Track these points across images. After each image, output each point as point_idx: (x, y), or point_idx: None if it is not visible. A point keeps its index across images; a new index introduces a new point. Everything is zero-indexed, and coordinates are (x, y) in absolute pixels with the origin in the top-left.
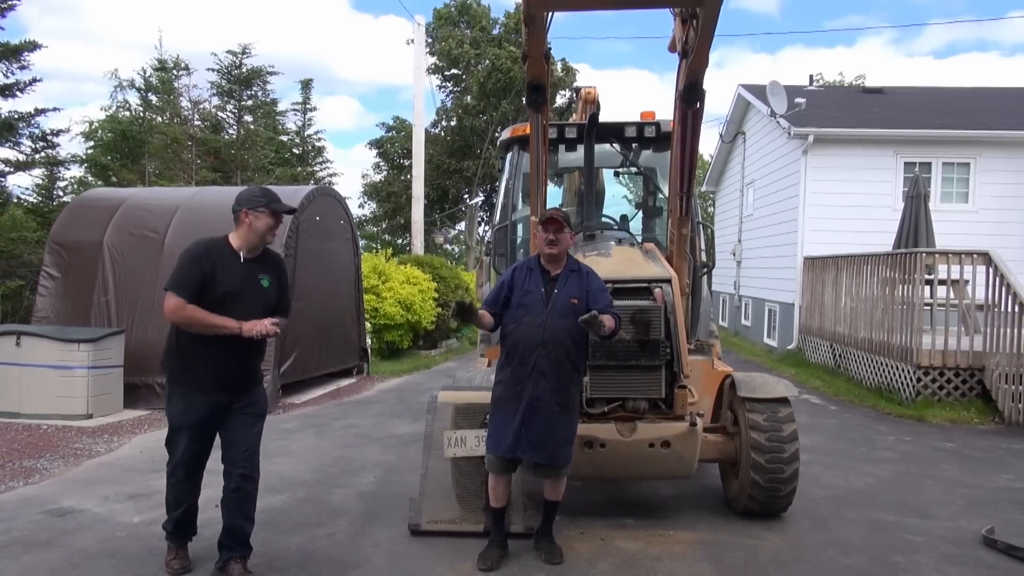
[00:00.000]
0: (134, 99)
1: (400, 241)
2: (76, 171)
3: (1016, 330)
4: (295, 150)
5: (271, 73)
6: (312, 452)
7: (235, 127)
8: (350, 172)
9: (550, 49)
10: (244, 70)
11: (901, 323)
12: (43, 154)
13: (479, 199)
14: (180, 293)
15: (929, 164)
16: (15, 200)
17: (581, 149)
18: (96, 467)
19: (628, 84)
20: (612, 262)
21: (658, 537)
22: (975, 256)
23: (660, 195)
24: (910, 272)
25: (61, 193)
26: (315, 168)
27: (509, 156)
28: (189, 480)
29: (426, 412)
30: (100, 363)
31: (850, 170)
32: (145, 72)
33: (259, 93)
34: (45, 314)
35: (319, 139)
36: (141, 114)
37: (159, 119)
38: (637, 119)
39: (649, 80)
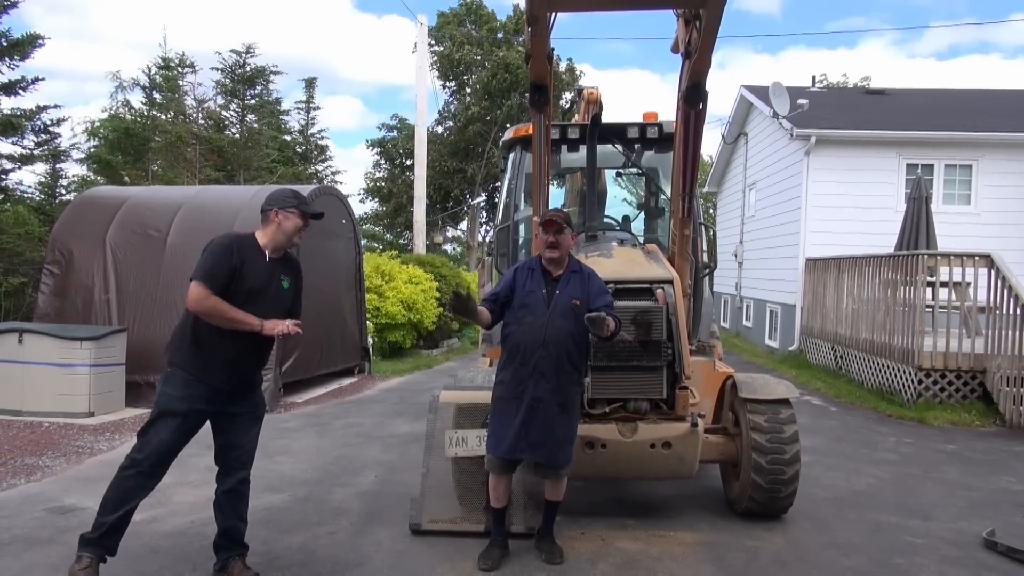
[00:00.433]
0: (137, 98)
1: (401, 241)
2: (79, 169)
3: (1018, 332)
4: (298, 148)
5: (275, 72)
6: (313, 451)
7: (239, 126)
8: (352, 171)
9: (553, 50)
10: (248, 69)
11: (903, 325)
12: (45, 147)
13: (481, 199)
14: (208, 283)
15: (931, 166)
16: (18, 195)
17: (583, 150)
18: (98, 465)
19: (630, 85)
20: (614, 263)
21: (659, 538)
22: (977, 258)
23: (662, 196)
24: (912, 274)
25: (64, 191)
26: (318, 167)
27: (511, 156)
28: (151, 475)
29: (427, 411)
30: (102, 361)
31: (852, 171)
32: (150, 70)
33: (263, 92)
34: (47, 311)
35: (322, 138)
36: (145, 112)
37: (163, 117)
38: (640, 120)
39: (651, 81)
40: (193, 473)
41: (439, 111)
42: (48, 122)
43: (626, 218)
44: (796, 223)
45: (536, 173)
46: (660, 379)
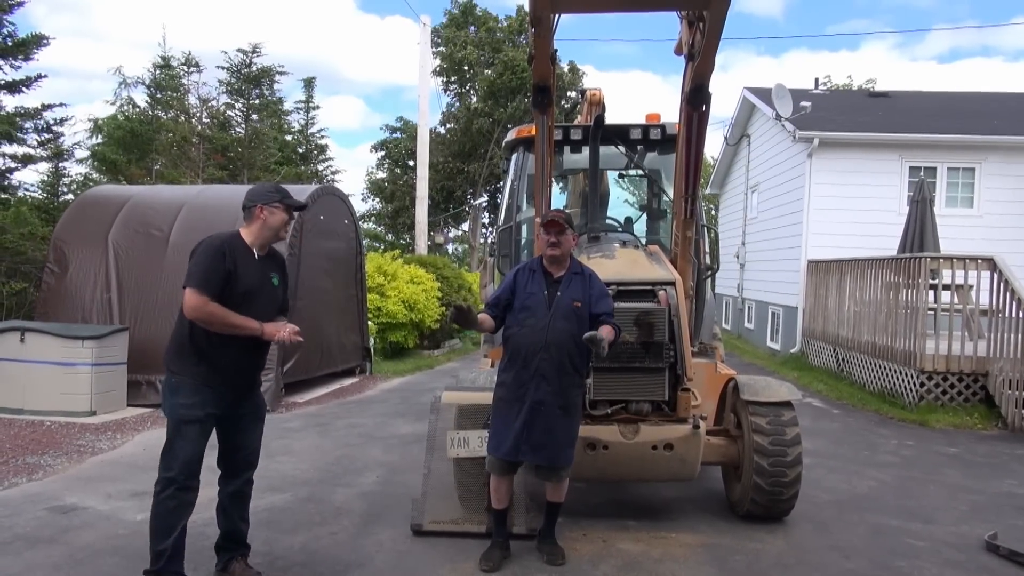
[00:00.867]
0: (140, 96)
1: (402, 241)
2: (82, 168)
3: (1020, 335)
4: (299, 148)
5: (280, 72)
6: (315, 451)
7: (243, 125)
8: (353, 171)
9: (556, 51)
10: (254, 69)
11: (905, 327)
12: (48, 146)
13: (483, 200)
14: (204, 289)
15: (934, 168)
16: (21, 194)
17: (586, 151)
18: (99, 464)
19: (633, 86)
20: (616, 264)
21: (660, 539)
22: (980, 261)
23: (665, 197)
24: (914, 276)
25: (66, 190)
26: (319, 167)
27: (514, 157)
28: (188, 488)
29: (429, 412)
30: (104, 360)
31: (855, 174)
32: (154, 71)
33: (267, 92)
34: (48, 310)
35: (322, 137)
36: (148, 111)
37: (165, 116)
38: (642, 121)
39: (653, 82)
40: None
41: (442, 112)
42: (51, 121)
43: (628, 219)
44: (798, 225)
45: (539, 174)
46: (662, 381)
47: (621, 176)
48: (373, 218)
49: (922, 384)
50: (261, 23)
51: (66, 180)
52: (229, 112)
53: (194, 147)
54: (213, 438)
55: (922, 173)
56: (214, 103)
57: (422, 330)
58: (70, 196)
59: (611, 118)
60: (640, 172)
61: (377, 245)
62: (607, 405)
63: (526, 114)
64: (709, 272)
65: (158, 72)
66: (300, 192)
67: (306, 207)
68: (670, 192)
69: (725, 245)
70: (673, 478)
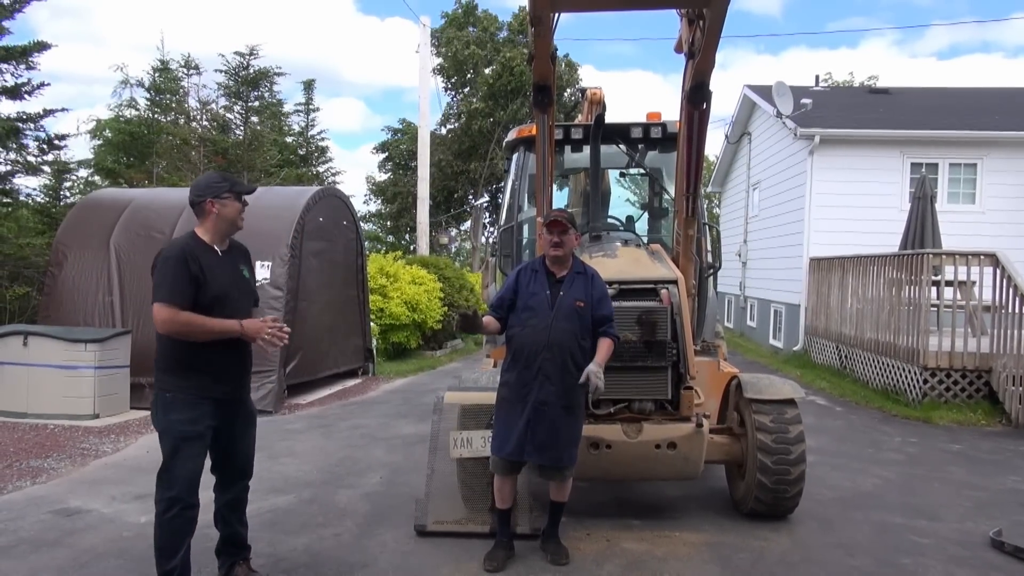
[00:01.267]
0: (141, 97)
1: (404, 241)
2: (83, 172)
3: (1023, 331)
4: (300, 151)
5: (278, 74)
6: (318, 452)
7: (242, 128)
8: (354, 172)
9: (556, 50)
10: (252, 71)
11: (907, 324)
12: (50, 156)
13: (484, 200)
14: (174, 302)
15: (936, 165)
16: (22, 199)
17: (587, 150)
18: (103, 467)
19: (633, 85)
20: (618, 263)
21: (664, 538)
22: (982, 257)
23: (666, 196)
24: (917, 273)
25: (68, 194)
26: (319, 169)
27: (515, 157)
28: (192, 505)
29: (432, 413)
30: (107, 363)
31: (856, 171)
32: (153, 74)
33: (266, 94)
34: (51, 314)
35: (323, 139)
36: (149, 114)
37: (165, 119)
38: (643, 120)
39: (654, 81)
40: None
41: (443, 113)
42: (54, 136)
43: (630, 218)
44: (800, 223)
45: (540, 174)
46: (665, 379)
47: (622, 175)
48: (373, 219)
49: (925, 381)
50: (261, 26)
51: (68, 184)
52: (228, 115)
53: (194, 150)
54: None
55: (924, 169)
56: (213, 106)
57: (424, 330)
58: (74, 200)
59: (612, 117)
60: (641, 171)
61: (379, 247)
62: (610, 404)
63: (527, 115)
64: (711, 270)
65: (157, 76)
66: (301, 194)
67: (255, 190)
68: (671, 190)
69: (727, 243)
70: (677, 477)
